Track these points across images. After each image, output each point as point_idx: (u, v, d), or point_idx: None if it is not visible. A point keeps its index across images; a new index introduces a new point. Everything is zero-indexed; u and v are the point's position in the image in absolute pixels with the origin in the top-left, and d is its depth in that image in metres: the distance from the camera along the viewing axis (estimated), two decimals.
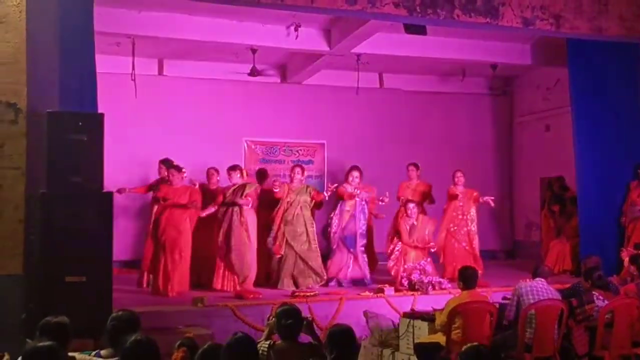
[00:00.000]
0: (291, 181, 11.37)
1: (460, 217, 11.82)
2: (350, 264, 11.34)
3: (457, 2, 9.98)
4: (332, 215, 11.57)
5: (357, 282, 11.25)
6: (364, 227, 11.53)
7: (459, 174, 11.94)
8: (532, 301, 7.58)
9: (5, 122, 7.55)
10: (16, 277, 7.47)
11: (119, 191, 11.08)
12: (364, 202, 11.52)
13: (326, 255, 11.50)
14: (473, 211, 11.90)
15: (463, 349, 4.59)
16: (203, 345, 4.78)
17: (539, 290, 7.72)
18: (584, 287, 8.16)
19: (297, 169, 11.42)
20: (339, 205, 11.55)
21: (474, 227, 11.86)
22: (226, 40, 12.06)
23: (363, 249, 11.52)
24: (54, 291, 7.12)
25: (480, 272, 11.00)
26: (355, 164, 12.10)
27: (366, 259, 11.52)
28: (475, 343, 4.71)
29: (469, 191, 11.93)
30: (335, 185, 11.48)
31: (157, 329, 7.41)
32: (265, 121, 14.56)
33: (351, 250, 11.36)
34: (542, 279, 7.93)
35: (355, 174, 11.59)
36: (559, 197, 13.57)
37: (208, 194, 11.26)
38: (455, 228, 11.79)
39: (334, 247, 11.44)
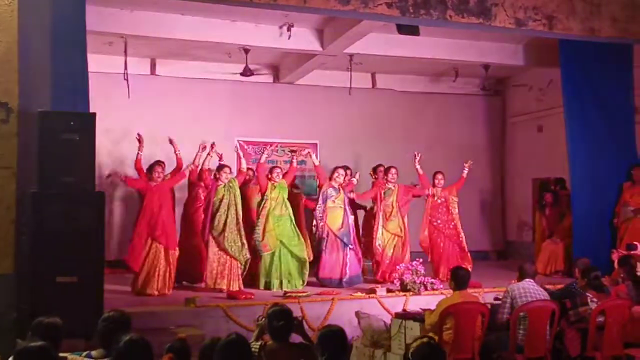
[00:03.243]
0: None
1: (442, 210, 11.92)
2: (348, 261, 11.29)
3: (450, 3, 10.00)
4: (319, 212, 11.44)
5: (356, 279, 11.24)
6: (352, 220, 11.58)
7: (439, 176, 12.01)
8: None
9: None
10: (7, 276, 7.46)
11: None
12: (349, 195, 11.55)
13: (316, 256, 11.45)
14: (455, 204, 12.01)
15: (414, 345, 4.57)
16: (194, 346, 4.79)
17: (531, 291, 7.75)
18: (579, 287, 8.17)
19: (277, 170, 11.41)
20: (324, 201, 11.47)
21: (456, 213, 11.99)
22: (219, 40, 12.02)
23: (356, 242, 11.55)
24: (45, 291, 7.12)
25: (469, 265, 11.09)
26: (344, 164, 12.18)
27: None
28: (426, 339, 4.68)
29: (448, 187, 12.06)
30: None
31: (149, 329, 7.37)
32: (258, 121, 14.54)
33: (349, 246, 11.32)
34: (531, 280, 7.95)
35: (341, 171, 11.57)
36: (553, 190, 13.61)
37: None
38: (439, 222, 11.89)
39: (327, 246, 11.28)
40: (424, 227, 11.88)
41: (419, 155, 11.92)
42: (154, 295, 10.19)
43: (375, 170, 12.67)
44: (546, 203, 13.58)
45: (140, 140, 10.83)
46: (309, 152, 11.81)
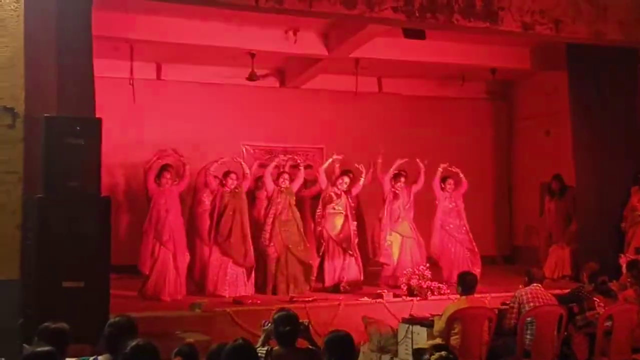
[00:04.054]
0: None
1: (454, 215, 11.92)
2: (346, 267, 11.24)
3: (456, 7, 9.96)
4: (318, 217, 11.49)
5: (354, 284, 11.17)
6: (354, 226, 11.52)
7: (450, 180, 12.00)
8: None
9: (3, 127, 7.53)
10: (13, 282, 7.44)
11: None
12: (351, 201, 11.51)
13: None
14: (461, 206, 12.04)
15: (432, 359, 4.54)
16: (201, 351, 4.78)
17: (539, 295, 7.72)
18: (586, 292, 8.14)
19: (285, 175, 11.33)
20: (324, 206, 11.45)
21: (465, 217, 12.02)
22: (224, 44, 12.04)
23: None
24: (51, 296, 7.08)
25: (479, 269, 11.06)
26: (350, 168, 12.16)
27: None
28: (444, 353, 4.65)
29: (456, 192, 12.06)
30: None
31: (155, 334, 7.33)
32: (264, 126, 14.52)
33: (349, 252, 11.27)
34: (538, 284, 7.92)
35: (346, 179, 11.54)
36: (559, 179, 13.52)
37: None
38: (451, 226, 11.87)
39: (327, 251, 11.29)
40: (434, 234, 11.85)
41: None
42: (166, 301, 10.17)
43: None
44: (553, 190, 13.46)
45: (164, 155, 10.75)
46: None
